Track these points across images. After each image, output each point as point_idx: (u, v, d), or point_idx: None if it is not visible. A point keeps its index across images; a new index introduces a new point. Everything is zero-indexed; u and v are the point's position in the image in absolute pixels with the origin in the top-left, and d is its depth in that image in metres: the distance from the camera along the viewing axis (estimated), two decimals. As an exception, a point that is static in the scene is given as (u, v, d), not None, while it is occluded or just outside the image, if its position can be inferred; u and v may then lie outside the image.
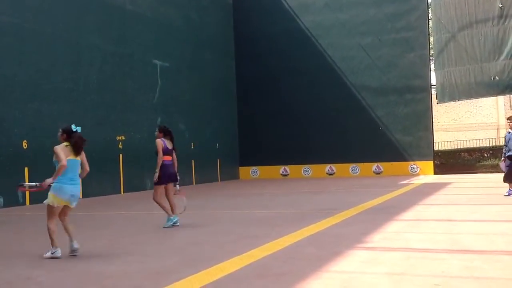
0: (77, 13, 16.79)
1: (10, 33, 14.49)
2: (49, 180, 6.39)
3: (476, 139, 33.15)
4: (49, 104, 15.49)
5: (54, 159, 6.44)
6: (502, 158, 12.24)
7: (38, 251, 6.71)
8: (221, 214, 11.14)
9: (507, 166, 11.83)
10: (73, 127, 6.59)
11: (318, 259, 5.77)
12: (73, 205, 6.56)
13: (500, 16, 22.75)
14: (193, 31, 22.91)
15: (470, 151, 29.55)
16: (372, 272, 5.13)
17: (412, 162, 23.84)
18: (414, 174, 23.49)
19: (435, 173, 23.56)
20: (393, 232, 7.61)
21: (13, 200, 14.01)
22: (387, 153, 23.98)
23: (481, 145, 31.38)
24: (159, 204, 8.91)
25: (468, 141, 33.27)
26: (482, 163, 26.26)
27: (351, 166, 24.72)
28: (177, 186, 9.16)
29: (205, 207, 12.80)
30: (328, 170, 25.13)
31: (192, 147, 22.01)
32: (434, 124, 25.53)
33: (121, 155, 18.05)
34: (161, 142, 8.92)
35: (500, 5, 22.64)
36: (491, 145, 31.22)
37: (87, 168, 6.75)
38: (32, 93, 15.00)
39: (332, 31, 24.97)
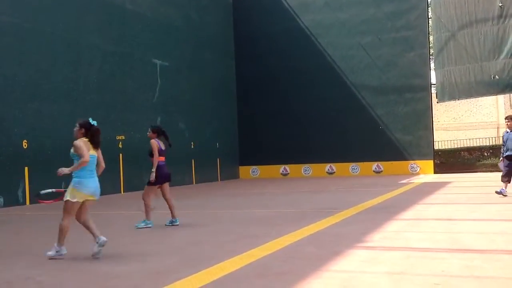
0: (77, 13, 16.79)
1: (10, 33, 14.48)
2: (65, 170, 6.20)
3: (476, 138, 33.14)
4: (49, 104, 15.49)
5: (72, 152, 6.26)
6: (501, 158, 12.20)
7: (38, 251, 6.72)
8: (221, 213, 11.14)
9: (506, 166, 11.80)
10: (91, 121, 6.56)
11: (318, 259, 5.77)
12: (98, 198, 6.43)
13: (500, 15, 22.73)
14: (193, 31, 22.90)
15: (470, 150, 29.52)
16: (372, 272, 5.13)
17: (412, 161, 23.83)
18: (414, 173, 23.48)
19: (435, 172, 23.54)
20: (393, 231, 7.61)
21: (13, 200, 14.02)
22: (387, 152, 23.97)
23: (481, 144, 31.36)
24: (146, 204, 8.93)
25: (468, 140, 33.26)
26: (482, 162, 26.25)
27: (351, 165, 24.71)
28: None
29: (205, 207, 12.80)
30: (328, 170, 25.13)
31: (192, 147, 22.03)
32: (434, 123, 25.50)
33: (121, 155, 18.06)
34: (157, 143, 8.94)
35: (500, 4, 22.62)
36: (491, 144, 31.19)
37: (103, 164, 6.59)
38: (32, 93, 15.00)
39: (332, 31, 24.96)
